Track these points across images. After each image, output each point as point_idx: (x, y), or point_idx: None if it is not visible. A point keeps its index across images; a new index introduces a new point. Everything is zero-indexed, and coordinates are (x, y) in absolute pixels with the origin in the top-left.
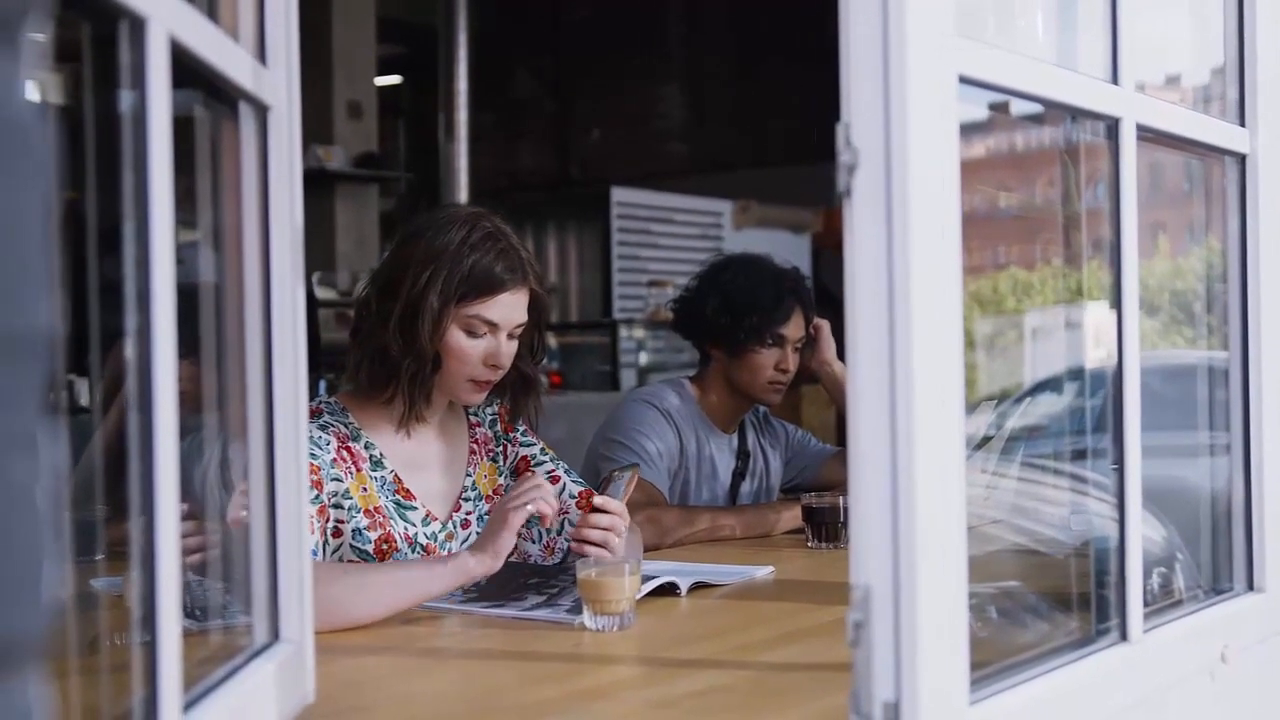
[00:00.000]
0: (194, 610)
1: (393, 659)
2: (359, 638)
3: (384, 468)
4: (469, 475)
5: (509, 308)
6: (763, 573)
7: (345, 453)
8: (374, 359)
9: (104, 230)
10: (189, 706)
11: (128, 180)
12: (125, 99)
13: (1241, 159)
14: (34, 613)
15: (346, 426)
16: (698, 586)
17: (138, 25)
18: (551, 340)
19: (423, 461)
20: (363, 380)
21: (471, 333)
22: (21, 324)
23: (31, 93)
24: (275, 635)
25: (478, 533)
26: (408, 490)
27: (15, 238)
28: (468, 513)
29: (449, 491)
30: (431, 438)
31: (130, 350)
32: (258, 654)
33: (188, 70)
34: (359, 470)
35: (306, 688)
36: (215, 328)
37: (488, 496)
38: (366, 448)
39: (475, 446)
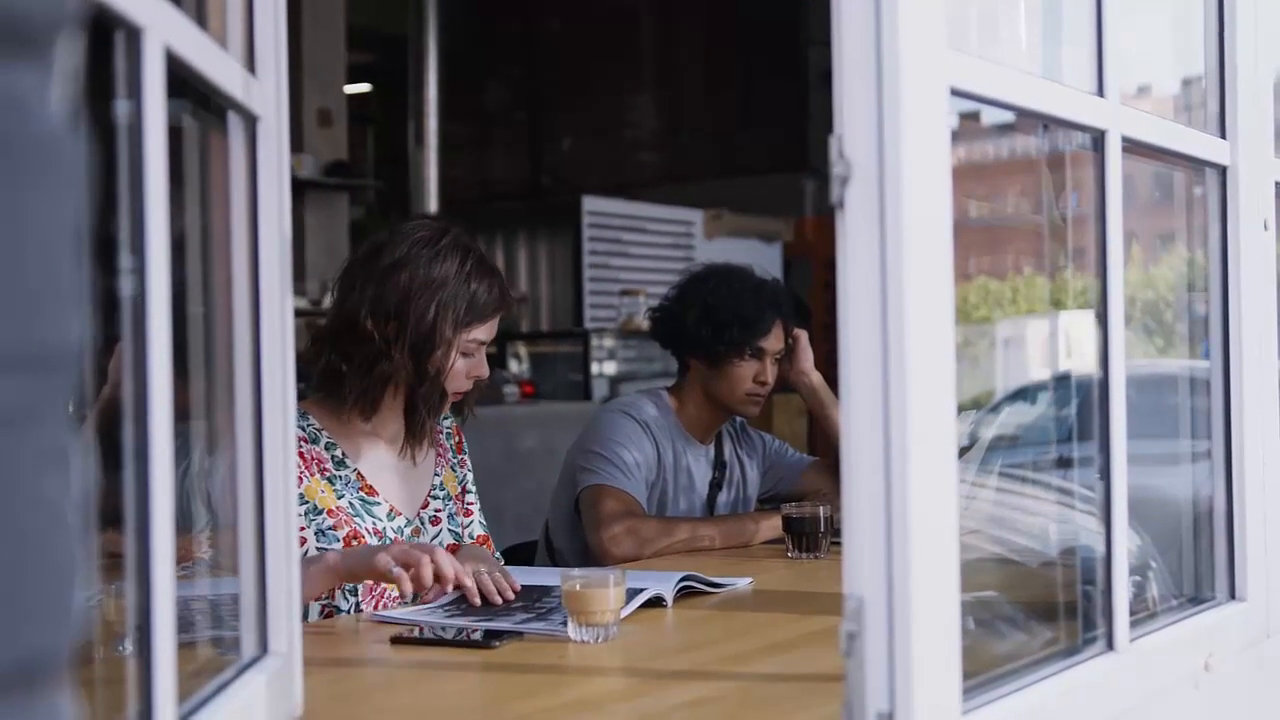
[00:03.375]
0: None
1: (380, 673)
2: (347, 651)
3: (347, 467)
4: (437, 475)
5: (495, 326)
6: (743, 583)
7: (299, 456)
8: (380, 384)
9: (95, 240)
10: None
11: (123, 189)
12: (120, 108)
13: (1222, 170)
14: (66, 628)
15: (304, 430)
16: (685, 592)
17: (134, 35)
18: (522, 350)
19: (388, 463)
20: (367, 405)
21: (465, 354)
22: (54, 339)
23: (63, 107)
24: (264, 648)
25: (449, 529)
26: (371, 487)
27: (47, 252)
28: (437, 510)
29: (416, 490)
30: (396, 439)
31: (125, 360)
32: (247, 667)
33: (179, 80)
34: (313, 474)
35: (295, 701)
36: (202, 337)
37: (456, 497)
38: (327, 448)
39: (441, 450)
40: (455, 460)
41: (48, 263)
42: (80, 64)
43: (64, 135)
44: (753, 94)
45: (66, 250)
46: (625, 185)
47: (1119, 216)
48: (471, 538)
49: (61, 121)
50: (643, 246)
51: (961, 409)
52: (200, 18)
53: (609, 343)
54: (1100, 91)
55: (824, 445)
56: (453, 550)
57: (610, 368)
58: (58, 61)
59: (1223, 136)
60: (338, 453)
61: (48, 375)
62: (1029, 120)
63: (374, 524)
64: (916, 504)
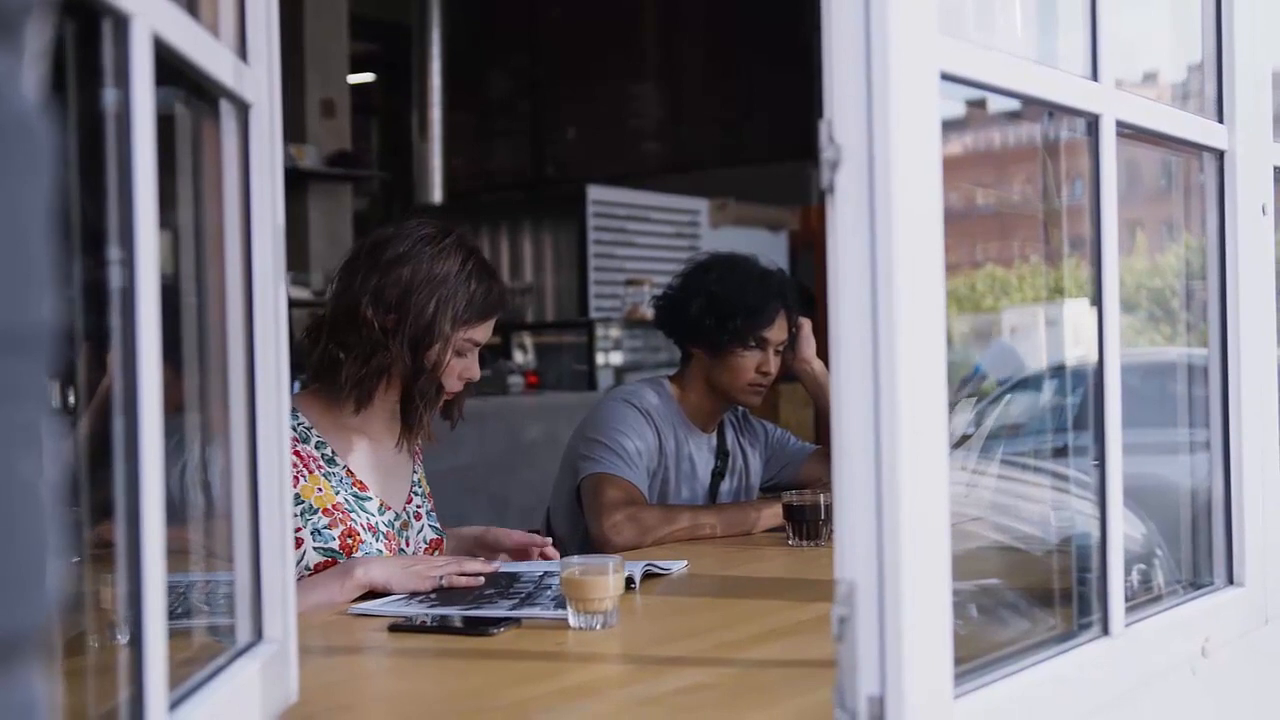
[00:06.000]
0: (174, 610)
1: (376, 659)
2: (343, 639)
3: (337, 464)
4: (415, 473)
5: (490, 328)
6: (677, 567)
7: (294, 456)
8: (376, 375)
9: (85, 230)
10: (174, 706)
11: (111, 179)
12: (108, 96)
13: (1220, 155)
14: (38, 607)
15: (295, 429)
16: (649, 576)
17: (121, 23)
18: (527, 340)
19: (373, 459)
20: (362, 395)
21: (459, 353)
22: (27, 319)
23: (33, 90)
24: (258, 635)
25: (430, 525)
26: (361, 482)
27: (19, 233)
28: (418, 506)
29: (399, 486)
30: (380, 436)
31: (115, 352)
32: (241, 653)
33: (169, 68)
34: (311, 472)
35: (290, 687)
36: (196, 328)
37: (428, 494)
38: (318, 447)
39: (417, 450)
40: (423, 460)
41: (18, 245)
42: (51, 47)
43: (34, 119)
44: (757, 82)
45: (37, 233)
46: (629, 174)
47: (1113, 202)
48: (425, 542)
49: (32, 105)
50: (647, 236)
51: (969, 397)
52: (191, 5)
53: (614, 333)
54: (1094, 76)
55: (828, 434)
56: (436, 545)
57: (615, 358)
58: (28, 45)
59: (1220, 121)
60: (327, 450)
61: (19, 356)
62: (1032, 106)
63: (367, 519)
64: (907, 488)
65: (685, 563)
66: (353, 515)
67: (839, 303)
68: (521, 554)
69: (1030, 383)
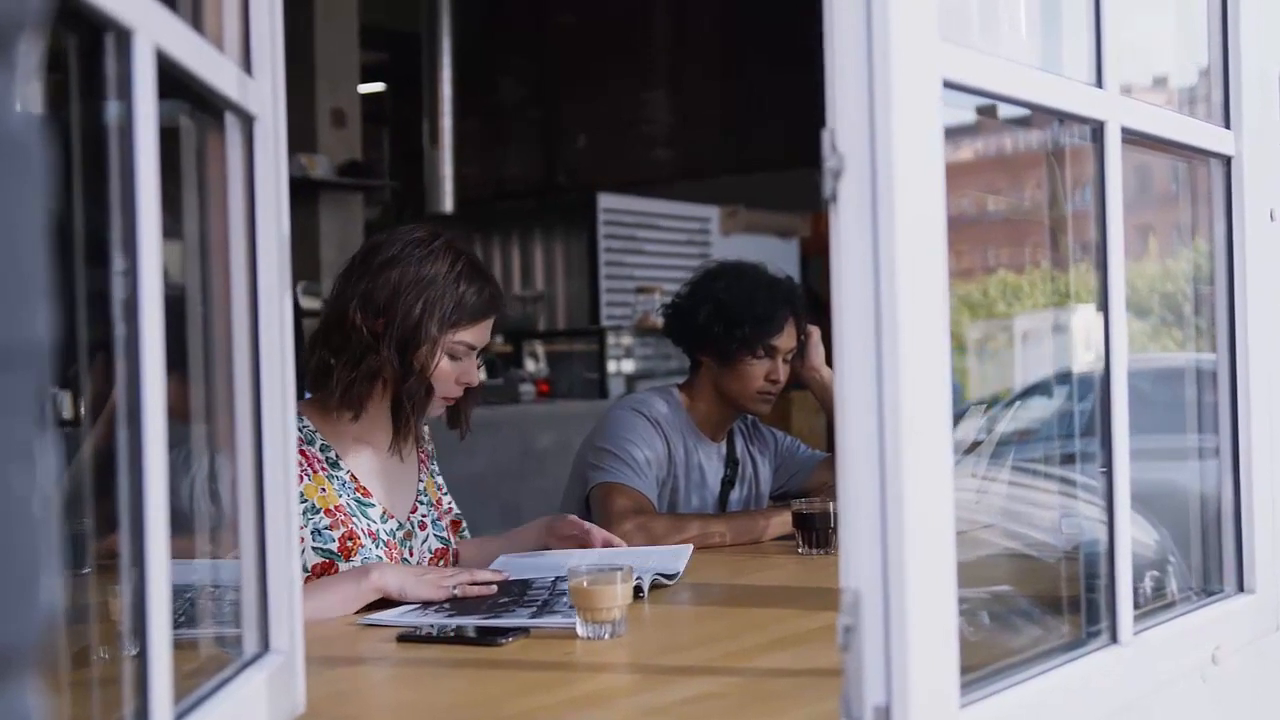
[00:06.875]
0: (179, 619)
1: (383, 670)
2: (351, 649)
3: (341, 469)
4: (420, 481)
5: (487, 331)
6: (684, 559)
7: (299, 456)
8: (367, 379)
9: (89, 242)
10: (180, 718)
11: (114, 191)
12: (111, 109)
13: (1227, 161)
14: (32, 622)
15: (300, 431)
16: (656, 586)
17: (124, 37)
18: (539, 348)
19: (378, 467)
20: (353, 399)
21: (453, 356)
22: (21, 334)
23: (27, 105)
24: (265, 646)
25: (435, 535)
26: (365, 489)
27: (14, 249)
28: (423, 515)
29: (404, 495)
30: (383, 445)
31: (118, 363)
32: (248, 664)
33: (173, 80)
34: (315, 473)
35: (297, 699)
36: (202, 340)
37: (435, 503)
38: (322, 450)
39: (423, 458)
40: (433, 468)
41: (12, 261)
42: (54, 60)
43: (29, 134)
44: (766, 88)
45: (32, 249)
46: (640, 182)
47: (1119, 208)
48: (430, 551)
49: (26, 121)
50: (658, 244)
51: (979, 404)
52: (196, 19)
53: (625, 340)
54: (1099, 83)
55: None
56: (441, 555)
57: (627, 365)
58: (22, 62)
59: (1227, 126)
60: (331, 454)
61: (16, 371)
62: (1039, 113)
63: (368, 525)
64: (911, 497)
65: (690, 547)
66: (354, 519)
67: (842, 311)
68: (583, 542)
69: (1042, 389)
